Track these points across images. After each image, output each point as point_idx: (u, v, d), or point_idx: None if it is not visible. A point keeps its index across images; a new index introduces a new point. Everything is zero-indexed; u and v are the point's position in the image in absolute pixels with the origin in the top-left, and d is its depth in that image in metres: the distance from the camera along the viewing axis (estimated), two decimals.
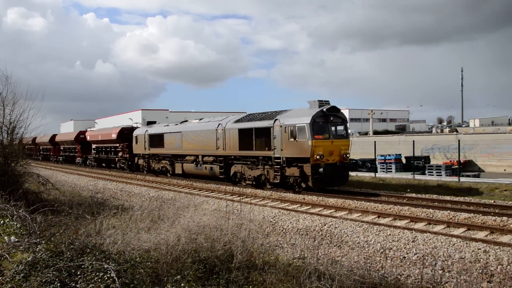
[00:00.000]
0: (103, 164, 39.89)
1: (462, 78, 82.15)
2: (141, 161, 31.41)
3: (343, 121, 18.70)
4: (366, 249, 10.49)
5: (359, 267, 9.18)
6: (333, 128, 18.03)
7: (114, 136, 34.57)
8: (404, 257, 9.83)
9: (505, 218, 11.88)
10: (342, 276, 7.86)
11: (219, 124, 22.15)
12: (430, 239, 10.38)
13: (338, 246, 11.04)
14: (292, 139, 17.62)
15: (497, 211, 13.40)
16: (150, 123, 32.72)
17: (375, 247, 10.49)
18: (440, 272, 9.03)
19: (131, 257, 7.75)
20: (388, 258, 10.00)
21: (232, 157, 21.53)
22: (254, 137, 19.67)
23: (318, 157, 17.03)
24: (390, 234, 11.04)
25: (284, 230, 12.79)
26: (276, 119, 18.61)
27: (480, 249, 9.44)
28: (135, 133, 31.98)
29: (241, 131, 20.57)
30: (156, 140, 28.47)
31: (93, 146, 40.51)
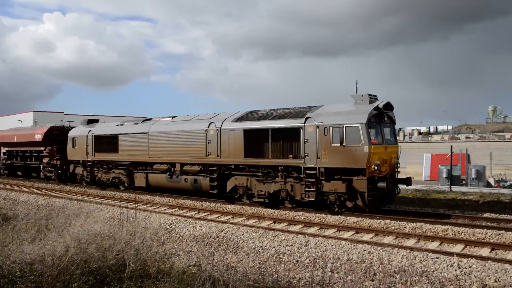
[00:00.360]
0: (19, 173, 32.11)
1: (356, 91, 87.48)
2: (80, 170, 24.77)
3: (392, 121, 15.41)
4: (261, 254, 10.70)
5: (253, 272, 9.36)
6: (384, 130, 14.67)
7: (38, 137, 27.61)
8: (297, 261, 10.16)
9: (388, 221, 12.80)
10: (236, 281, 7.93)
11: (211, 123, 17.55)
12: (321, 243, 10.85)
13: (234, 252, 11.13)
14: (337, 144, 13.85)
15: (382, 214, 14.39)
16: (92, 121, 26.17)
17: (270, 252, 10.73)
18: (330, 273, 9.47)
19: (10, 272, 7.16)
20: (282, 262, 10.28)
21: (232, 166, 16.91)
22: (271, 140, 15.49)
23: (375, 167, 13.51)
24: (284, 239, 11.37)
25: (180, 237, 12.63)
26: (308, 118, 14.66)
27: (365, 250, 10.07)
28: (71, 133, 25.30)
29: (249, 133, 16.23)
30: (106, 143, 22.51)
31: (4, 149, 33.41)
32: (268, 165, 15.72)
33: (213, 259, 10.19)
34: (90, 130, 23.67)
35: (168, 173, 19.18)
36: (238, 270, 9.05)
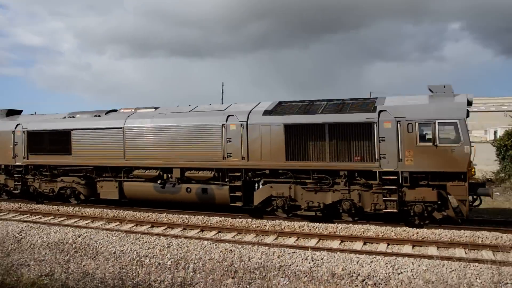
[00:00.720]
0: None
1: (222, 92, 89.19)
2: (1, 179, 18.66)
3: None
4: (122, 259, 10.31)
5: (113, 277, 8.98)
6: None
7: None
8: (159, 263, 10.00)
9: (249, 220, 13.25)
10: None
11: (230, 116, 14.00)
12: (184, 244, 10.85)
13: (92, 258, 10.56)
14: (426, 144, 11.70)
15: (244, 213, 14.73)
16: (13, 112, 20.02)
17: (131, 255, 10.40)
18: (192, 274, 9.48)
19: None
20: (144, 265, 10.02)
21: (266, 171, 13.60)
22: (328, 138, 12.65)
23: (474, 171, 11.88)
24: (146, 242, 11.14)
25: (32, 245, 11.61)
26: (383, 111, 12.15)
27: (227, 249, 10.30)
28: None
29: (293, 129, 13.04)
30: (50, 141, 17.24)
31: None
32: (323, 170, 12.87)
33: (68, 266, 9.56)
34: (18, 124, 18.03)
35: (158, 181, 15.07)
36: (96, 277, 8.63)
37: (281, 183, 13.38)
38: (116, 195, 15.89)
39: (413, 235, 11.21)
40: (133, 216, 14.24)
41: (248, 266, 9.30)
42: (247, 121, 13.61)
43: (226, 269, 9.41)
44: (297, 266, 9.14)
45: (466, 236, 10.88)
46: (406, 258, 9.28)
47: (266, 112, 13.61)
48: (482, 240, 10.61)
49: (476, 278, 8.04)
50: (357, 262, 9.10)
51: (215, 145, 14.00)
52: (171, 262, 9.96)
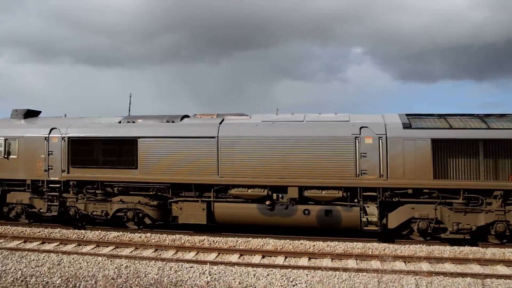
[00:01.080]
0: None
1: (130, 104, 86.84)
2: (22, 197, 14.64)
3: None
4: (3, 279, 9.48)
5: None
6: None
7: None
8: (47, 282, 9.34)
9: (149, 234, 12.91)
10: None
11: (363, 128, 12.35)
12: (76, 260, 10.31)
13: None
14: None
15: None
16: (33, 113, 16.06)
17: (15, 275, 9.60)
18: None
19: None
20: (29, 285, 9.32)
21: (409, 191, 12.06)
22: (483, 154, 11.62)
23: None
24: (34, 260, 10.42)
25: None
26: None
27: (122, 265, 9.94)
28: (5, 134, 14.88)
29: (442, 144, 11.85)
30: (104, 152, 13.74)
31: None
32: (474, 189, 11.81)
33: None
34: (53, 129, 14.39)
35: (267, 202, 12.78)
36: None
37: (424, 204, 12.11)
38: (204, 219, 13.24)
39: (309, 248, 11.60)
40: (22, 232, 13.24)
41: (144, 282, 9.01)
42: (386, 134, 12.20)
43: (121, 285, 9.02)
44: (194, 280, 9.03)
45: (359, 248, 11.49)
46: (301, 270, 9.56)
47: (406, 125, 12.31)
48: (372, 251, 11.26)
49: (364, 287, 8.48)
50: (254, 275, 9.21)
51: (345, 160, 12.29)
52: (61, 280, 9.34)
